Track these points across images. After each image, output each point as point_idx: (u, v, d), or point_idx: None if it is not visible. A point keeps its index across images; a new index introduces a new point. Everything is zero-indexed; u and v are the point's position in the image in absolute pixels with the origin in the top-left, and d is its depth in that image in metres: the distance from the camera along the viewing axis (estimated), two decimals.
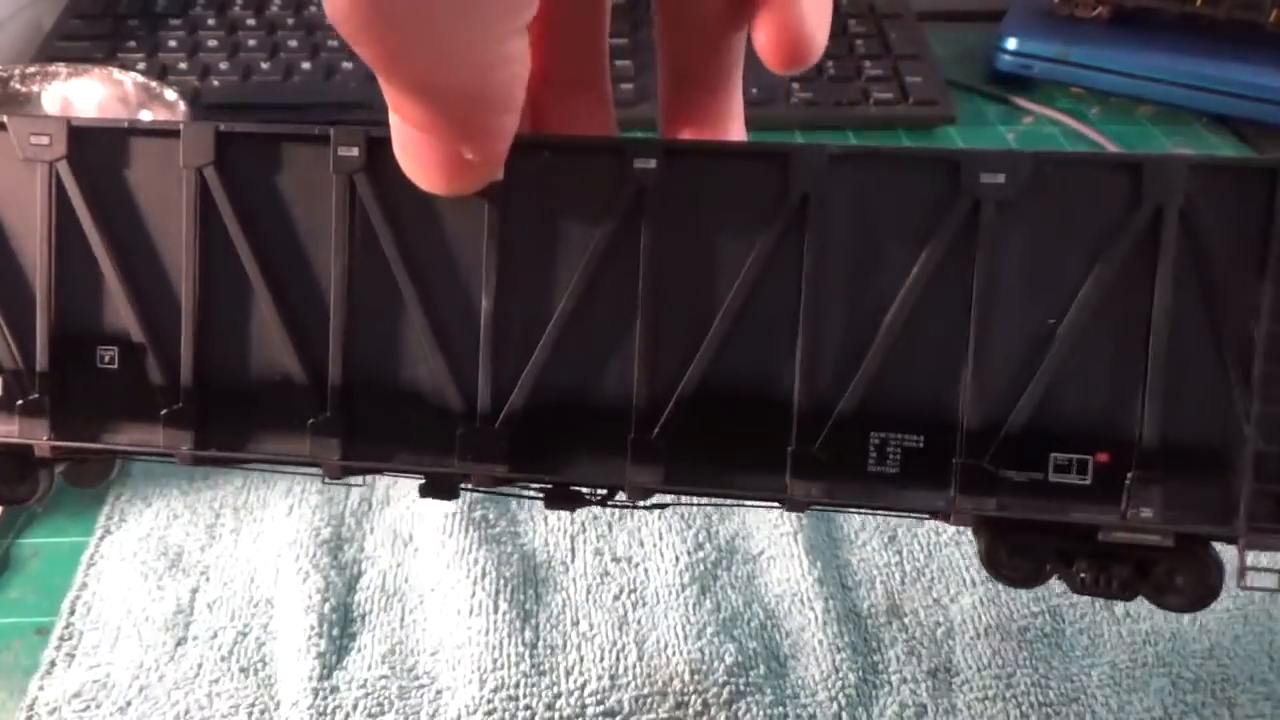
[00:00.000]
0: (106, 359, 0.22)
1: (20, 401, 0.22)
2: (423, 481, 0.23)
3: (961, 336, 0.20)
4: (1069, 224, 0.20)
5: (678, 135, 0.23)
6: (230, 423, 0.22)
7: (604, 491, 0.23)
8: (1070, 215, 0.20)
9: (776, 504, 0.22)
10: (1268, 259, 0.19)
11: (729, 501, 0.23)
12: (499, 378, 0.21)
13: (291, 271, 0.22)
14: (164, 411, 0.22)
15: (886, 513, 0.23)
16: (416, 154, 0.19)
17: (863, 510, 0.23)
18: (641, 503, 0.22)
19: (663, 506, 0.22)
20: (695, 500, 0.22)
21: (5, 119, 0.22)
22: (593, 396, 0.21)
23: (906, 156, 0.21)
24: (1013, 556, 0.22)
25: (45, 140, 0.22)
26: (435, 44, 0.17)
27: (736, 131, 0.24)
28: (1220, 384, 0.19)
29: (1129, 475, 0.20)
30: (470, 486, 0.23)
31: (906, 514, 0.23)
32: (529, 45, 0.18)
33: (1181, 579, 0.21)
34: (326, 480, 0.23)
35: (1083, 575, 0.22)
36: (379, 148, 0.21)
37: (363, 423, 0.22)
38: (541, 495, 0.23)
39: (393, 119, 0.19)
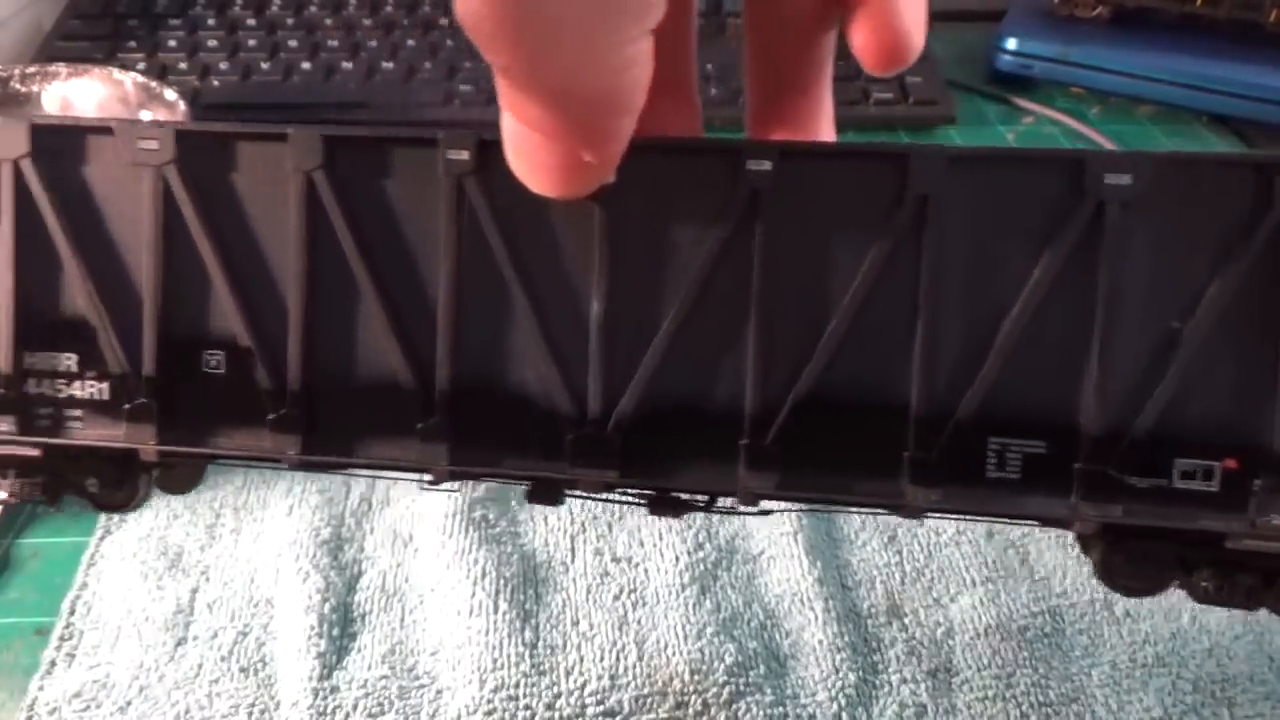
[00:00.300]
0: (212, 364, 0.22)
1: (127, 406, 0.22)
2: (528, 487, 0.23)
3: (1084, 340, 0.20)
4: (1194, 225, 0.19)
5: (767, 136, 0.23)
6: (337, 427, 0.22)
7: (704, 498, 0.22)
8: (1196, 216, 0.19)
9: (892, 511, 0.21)
10: None
11: (840, 508, 0.23)
12: (609, 382, 0.21)
13: (399, 275, 0.22)
14: (271, 416, 0.22)
15: (1006, 520, 0.22)
16: (533, 157, 0.19)
17: (981, 518, 0.22)
18: (751, 508, 0.22)
19: (767, 513, 0.22)
20: (805, 506, 0.22)
21: (113, 123, 0.22)
22: (704, 401, 0.21)
23: (1026, 158, 0.20)
24: (1131, 566, 0.22)
25: (153, 145, 0.22)
26: (571, 48, 0.17)
27: (827, 132, 0.24)
28: None
29: (1257, 482, 0.20)
30: (577, 493, 0.22)
31: (1026, 521, 0.22)
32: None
33: None
34: (423, 486, 0.23)
35: (1206, 584, 0.21)
36: (488, 151, 0.21)
37: (470, 427, 0.22)
38: (644, 501, 0.23)
39: (508, 122, 0.19)
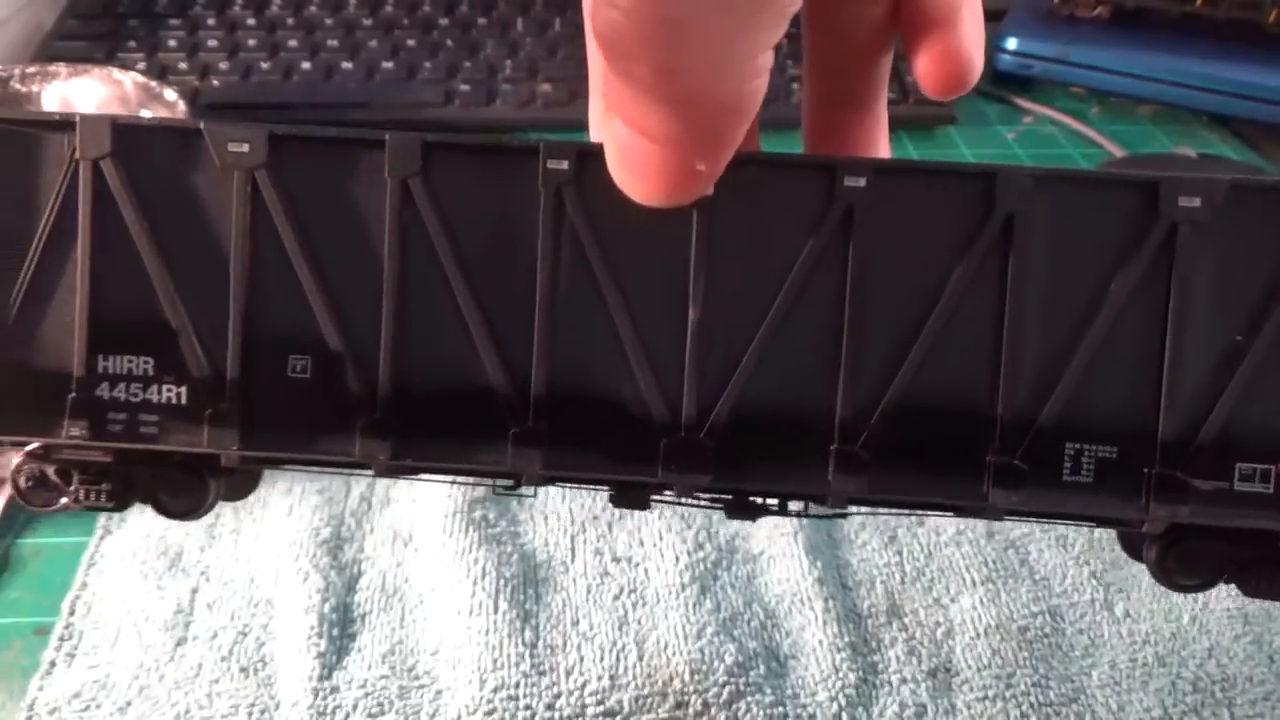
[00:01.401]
0: (298, 368, 0.22)
1: (209, 411, 0.22)
2: (613, 492, 0.23)
3: (1155, 352, 0.21)
4: (1257, 245, 0.21)
5: (826, 152, 0.24)
6: (427, 433, 0.22)
7: (777, 501, 0.23)
8: (1259, 236, 0.21)
9: (973, 514, 0.22)
10: None
11: (922, 511, 0.24)
12: (703, 388, 0.21)
13: (492, 281, 0.22)
14: (361, 422, 0.22)
15: (1078, 523, 0.23)
16: (644, 166, 0.19)
17: (1056, 520, 0.23)
18: (833, 510, 0.23)
19: (844, 515, 0.23)
20: (889, 510, 0.23)
21: (203, 124, 0.22)
22: (794, 407, 0.22)
23: (1106, 180, 0.22)
24: (1187, 563, 0.23)
25: (244, 148, 0.21)
26: (711, 57, 0.17)
27: (884, 149, 0.24)
28: None
29: None
30: (665, 497, 0.23)
31: (1096, 523, 0.23)
32: None
33: None
34: (499, 490, 0.23)
35: (1258, 579, 0.23)
36: (587, 160, 0.21)
37: (562, 433, 0.22)
38: (721, 505, 0.23)
39: (617, 130, 0.19)
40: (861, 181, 0.21)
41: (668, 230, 0.21)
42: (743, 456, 0.22)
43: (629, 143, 0.19)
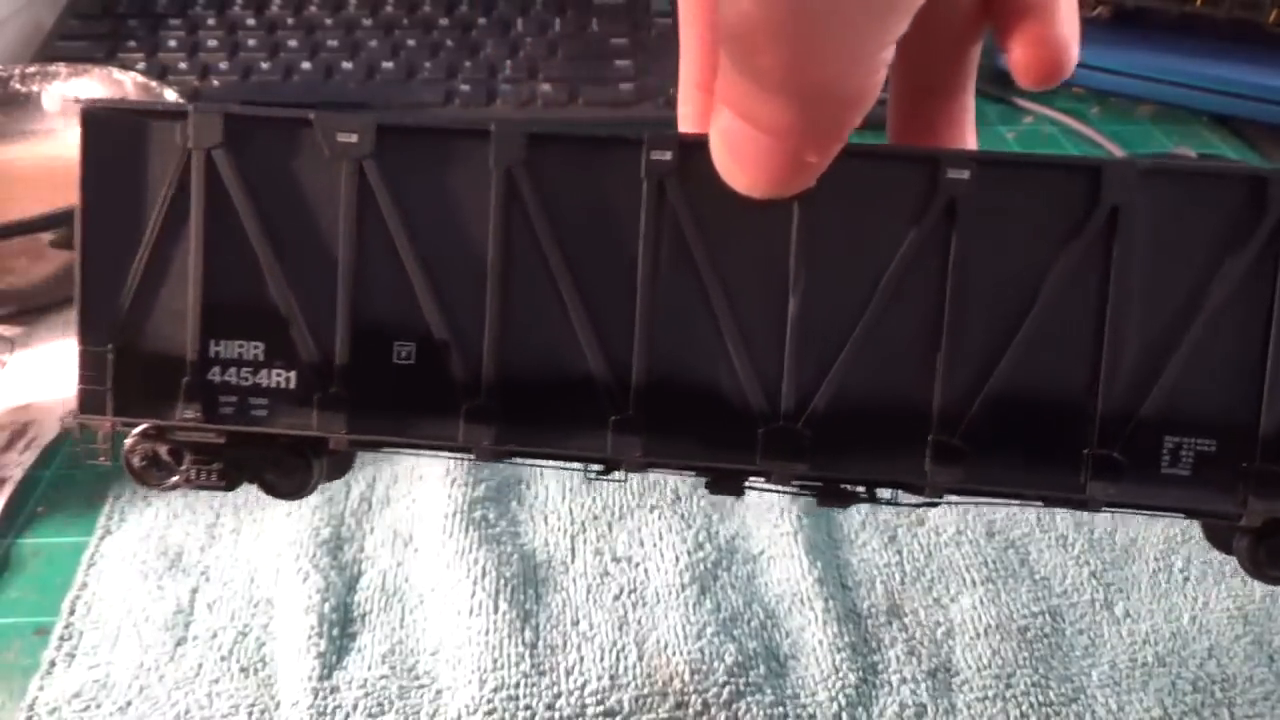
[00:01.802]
0: (403, 355, 0.22)
1: (319, 395, 0.22)
2: (709, 479, 0.23)
3: (1257, 346, 0.21)
4: None
5: (913, 141, 0.24)
6: (528, 419, 0.22)
7: (865, 489, 0.23)
8: None
9: (1072, 506, 0.22)
10: None
11: (1019, 502, 0.24)
12: (802, 378, 0.22)
13: (593, 270, 0.22)
14: (465, 407, 0.22)
15: (1174, 514, 0.23)
16: (754, 157, 0.19)
17: (1153, 512, 0.23)
18: (927, 500, 0.23)
19: (934, 504, 0.23)
20: (983, 500, 0.23)
21: (312, 115, 0.22)
22: (891, 397, 0.22)
23: (1212, 172, 0.22)
24: (1278, 557, 0.23)
25: (353, 138, 0.22)
26: (840, 50, 0.17)
27: (971, 139, 0.24)
28: None
29: None
30: (759, 484, 0.23)
31: (1193, 515, 0.23)
32: None
33: None
34: (590, 475, 0.23)
35: None
36: (690, 152, 0.21)
37: (661, 421, 0.22)
38: (812, 493, 0.23)
39: (726, 121, 0.19)
40: (965, 174, 0.21)
41: (768, 222, 0.21)
42: (839, 446, 0.22)
43: (739, 133, 0.18)
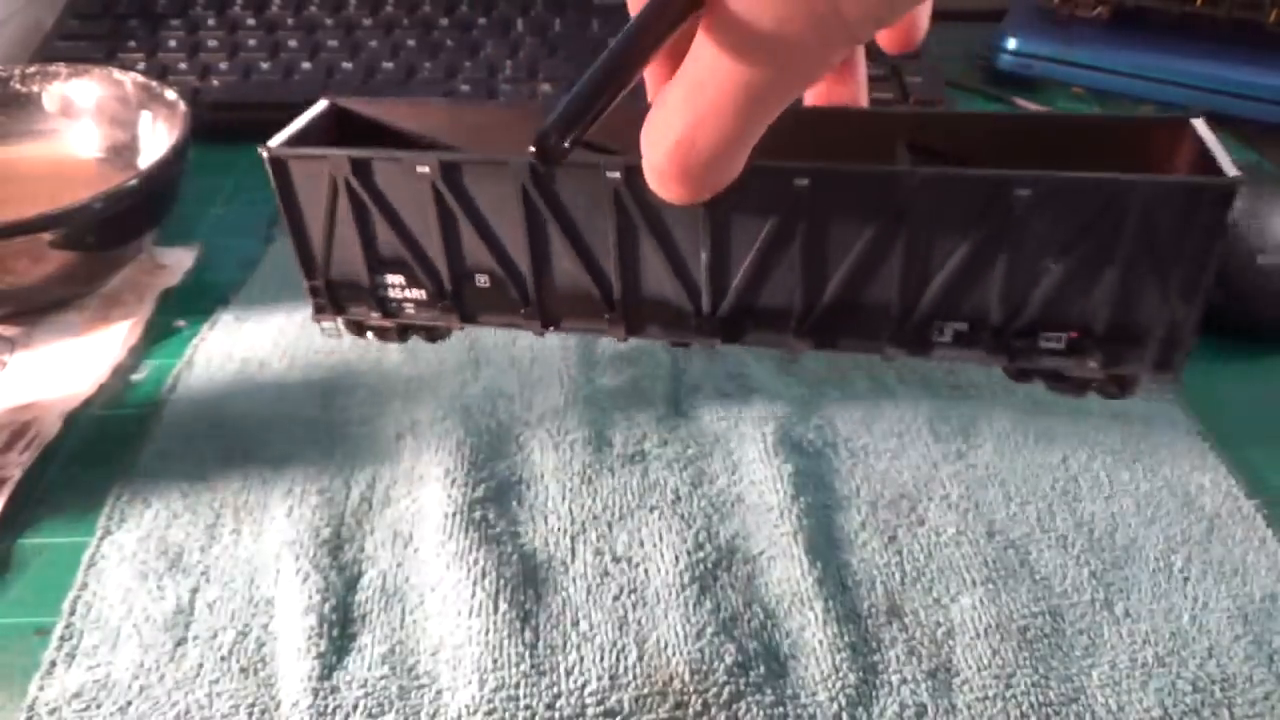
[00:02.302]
0: (482, 281, 0.35)
1: (442, 303, 0.36)
2: (671, 344, 0.36)
3: (993, 270, 0.31)
4: (1060, 217, 0.30)
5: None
6: (554, 316, 0.36)
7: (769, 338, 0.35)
8: (1063, 212, 0.29)
9: (874, 353, 0.33)
10: (1180, 241, 0.29)
11: (842, 350, 0.34)
12: (714, 294, 0.33)
13: (586, 236, 0.33)
14: (522, 310, 0.36)
15: (942, 361, 0.34)
16: (665, 194, 0.26)
17: (927, 359, 0.33)
18: (791, 353, 0.36)
19: (794, 358, 0.41)
20: (826, 350, 0.35)
21: (402, 155, 0.33)
22: (770, 304, 0.33)
23: (973, 176, 0.29)
24: (1018, 377, 0.34)
25: (426, 169, 0.33)
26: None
27: (862, 82, 0.33)
28: None
29: (1087, 344, 0.32)
30: (697, 344, 0.35)
31: (952, 360, 0.33)
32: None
33: None
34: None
35: (1052, 387, 0.34)
36: (632, 172, 0.31)
37: (634, 316, 0.35)
38: (720, 344, 0.35)
39: (647, 167, 0.25)
40: (806, 181, 0.30)
41: (688, 210, 0.32)
42: (738, 329, 0.34)
43: (663, 185, 0.26)
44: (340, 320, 0.38)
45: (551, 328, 0.36)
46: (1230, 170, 0.28)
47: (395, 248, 0.35)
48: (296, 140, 0.35)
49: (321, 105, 0.37)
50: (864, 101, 0.33)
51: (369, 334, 0.39)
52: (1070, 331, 0.31)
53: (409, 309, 0.37)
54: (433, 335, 0.40)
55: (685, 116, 0.24)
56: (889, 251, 0.31)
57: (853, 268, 0.31)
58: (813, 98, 0.34)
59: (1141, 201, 0.28)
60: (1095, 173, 0.28)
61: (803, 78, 0.24)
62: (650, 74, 0.30)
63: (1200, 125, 0.30)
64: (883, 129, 0.33)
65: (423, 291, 0.36)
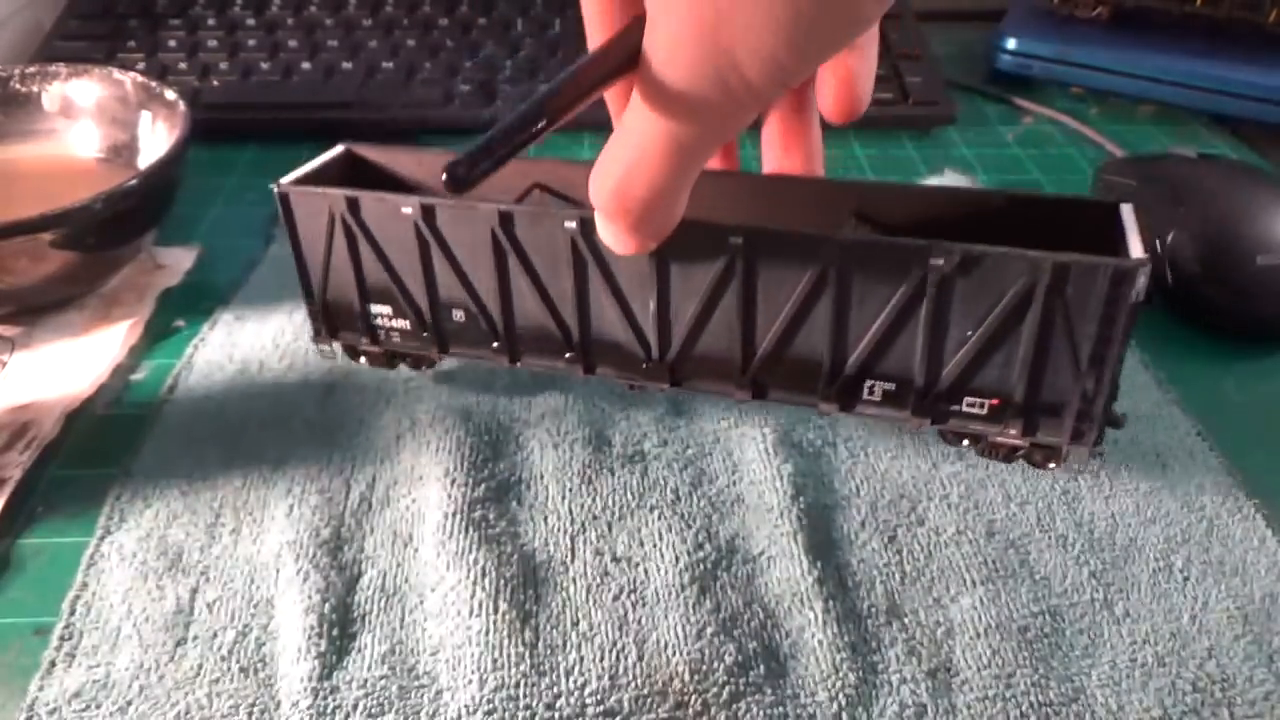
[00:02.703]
0: (457, 317, 0.38)
1: (425, 334, 0.39)
2: (629, 384, 0.38)
3: (916, 334, 0.33)
4: (977, 288, 0.31)
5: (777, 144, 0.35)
6: (521, 351, 0.38)
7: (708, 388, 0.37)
8: (978, 282, 0.31)
9: (811, 407, 0.35)
10: (1087, 317, 0.30)
11: (781, 403, 0.36)
12: (661, 341, 0.36)
13: (547, 280, 0.36)
14: (492, 344, 0.38)
15: (869, 418, 0.36)
16: (613, 246, 0.31)
17: (856, 415, 0.36)
18: (740, 398, 0.36)
19: (741, 401, 0.37)
20: (764, 400, 0.36)
21: (386, 196, 0.36)
22: (712, 353, 0.36)
23: (895, 245, 0.31)
24: (945, 439, 0.36)
25: (409, 210, 0.36)
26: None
27: (818, 132, 0.35)
28: None
29: (1007, 412, 0.34)
30: (648, 388, 0.37)
31: (879, 420, 0.35)
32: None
33: None
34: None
35: (980, 453, 0.37)
36: (586, 224, 0.34)
37: (590, 357, 0.37)
38: (669, 391, 0.38)
39: (598, 220, 0.30)
40: (740, 239, 0.32)
41: (636, 259, 0.34)
42: (684, 374, 0.36)
43: (604, 231, 0.30)
44: (336, 344, 0.41)
45: (518, 363, 0.38)
46: (1136, 253, 0.29)
47: (383, 280, 0.38)
48: (309, 178, 0.38)
49: (338, 150, 0.41)
50: (818, 169, 0.35)
51: (362, 359, 0.42)
52: (991, 399, 0.32)
53: (395, 337, 0.40)
54: (417, 363, 0.42)
55: (621, 163, 0.27)
56: (818, 310, 0.33)
57: (785, 323, 0.33)
58: (767, 166, 0.36)
59: (1050, 277, 0.29)
60: (1009, 248, 0.29)
61: (719, 133, 0.26)
62: (615, 113, 0.33)
63: (1126, 210, 0.32)
64: (835, 197, 0.36)
65: (407, 322, 0.39)
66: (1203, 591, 0.34)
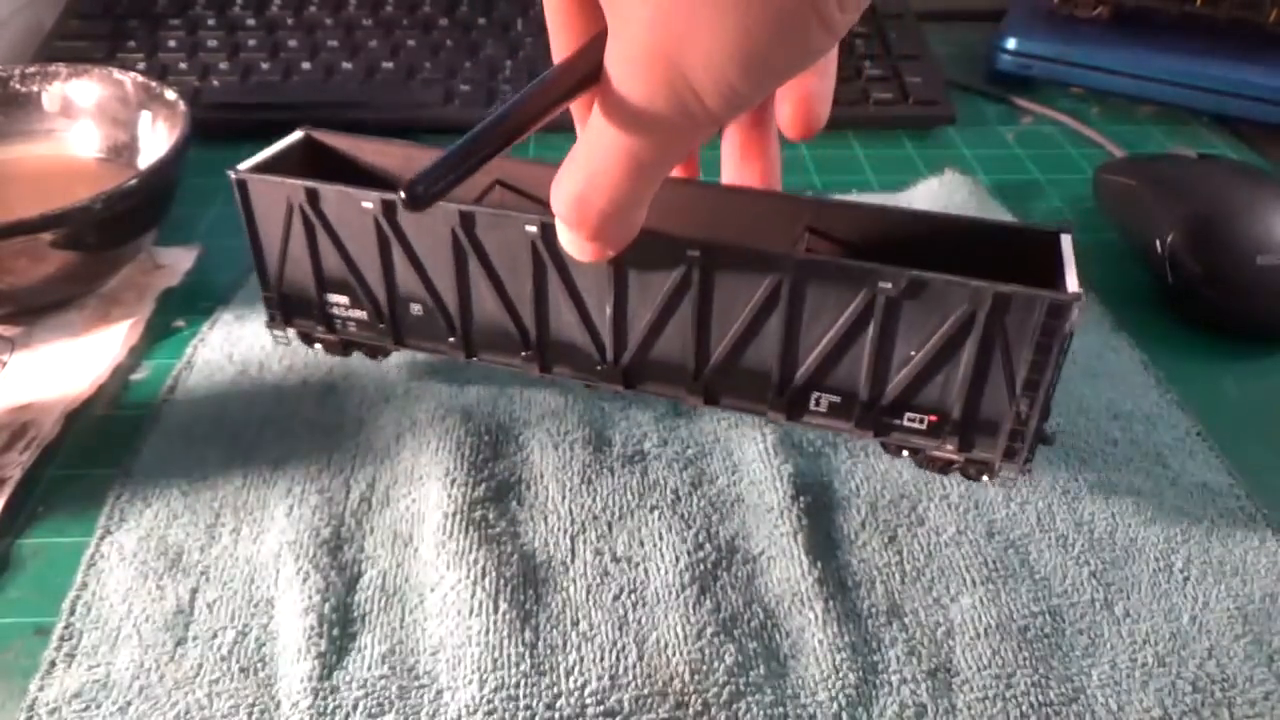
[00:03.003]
0: (415, 310, 0.38)
1: (380, 325, 0.39)
2: (585, 384, 0.39)
3: (864, 351, 0.34)
4: (920, 311, 0.32)
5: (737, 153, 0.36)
6: (477, 344, 0.39)
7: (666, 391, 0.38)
8: (922, 305, 0.32)
9: (757, 415, 0.37)
10: (1023, 344, 0.31)
11: (725, 411, 0.39)
12: (617, 344, 0.36)
13: (507, 280, 0.36)
14: (450, 339, 0.39)
15: (817, 429, 0.37)
16: (572, 251, 0.31)
17: (803, 426, 0.37)
18: (690, 401, 0.37)
19: (693, 406, 0.38)
20: (712, 407, 0.37)
21: (349, 190, 0.36)
22: (667, 358, 0.36)
23: (848, 268, 0.32)
24: (886, 449, 0.37)
25: (369, 205, 0.36)
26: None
27: (775, 146, 0.36)
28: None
29: (945, 429, 0.35)
30: (602, 388, 0.38)
31: (825, 429, 0.36)
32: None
33: None
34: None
35: (919, 464, 0.37)
36: (547, 229, 0.34)
37: (547, 357, 0.38)
38: (622, 393, 0.39)
39: (559, 226, 0.30)
40: (697, 253, 0.33)
41: (597, 269, 0.35)
42: (638, 378, 0.37)
43: (564, 238, 0.31)
44: (291, 330, 0.41)
45: (474, 358, 0.39)
46: (1072, 287, 0.30)
47: (341, 271, 0.38)
48: (269, 164, 0.38)
49: (297, 135, 0.40)
50: (776, 181, 0.37)
51: (317, 345, 0.42)
52: (931, 414, 0.34)
53: (351, 327, 0.40)
54: (373, 353, 0.42)
55: (583, 174, 0.28)
56: (770, 323, 0.34)
57: (737, 335, 0.34)
58: (725, 175, 0.37)
59: (990, 306, 0.31)
60: (954, 275, 0.31)
61: (677, 150, 0.26)
62: (580, 121, 0.35)
63: (1066, 241, 0.33)
64: (790, 211, 0.37)
65: (364, 313, 0.39)
66: (1203, 591, 0.34)
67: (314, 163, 0.40)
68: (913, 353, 0.33)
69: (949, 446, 0.34)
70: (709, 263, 0.33)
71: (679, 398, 0.37)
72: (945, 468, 0.36)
